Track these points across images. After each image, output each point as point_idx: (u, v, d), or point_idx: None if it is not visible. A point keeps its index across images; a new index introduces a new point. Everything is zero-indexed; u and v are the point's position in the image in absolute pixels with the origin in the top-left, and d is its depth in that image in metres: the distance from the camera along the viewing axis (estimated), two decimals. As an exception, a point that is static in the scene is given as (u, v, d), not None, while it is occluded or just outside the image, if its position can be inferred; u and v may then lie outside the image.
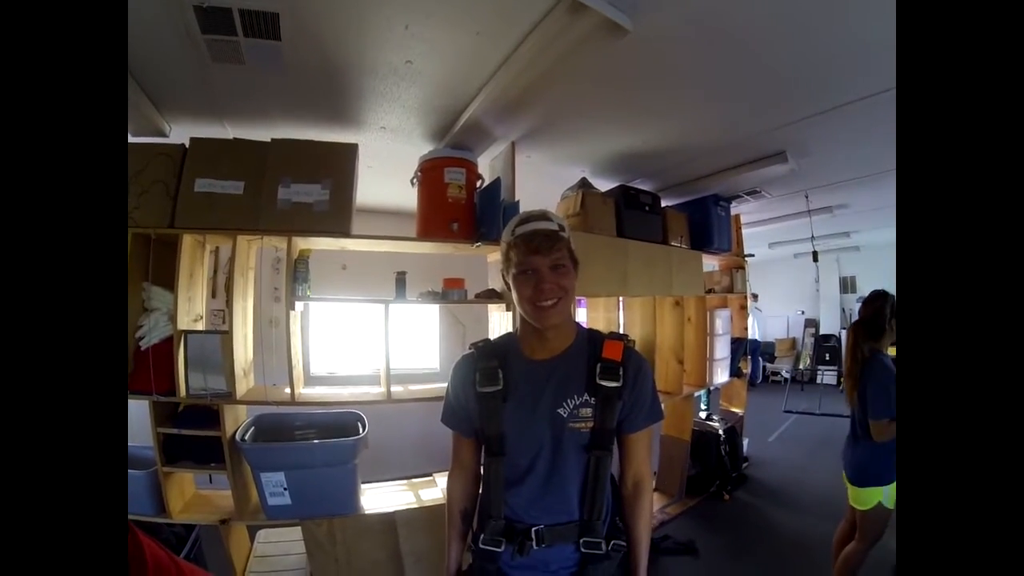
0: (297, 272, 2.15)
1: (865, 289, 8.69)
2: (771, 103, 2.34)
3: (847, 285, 8.96)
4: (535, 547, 1.10)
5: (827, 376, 7.66)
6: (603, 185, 3.20)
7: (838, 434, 5.52)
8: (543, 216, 1.12)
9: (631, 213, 3.11)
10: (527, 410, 1.12)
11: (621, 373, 1.12)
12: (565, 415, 1.10)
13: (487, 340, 1.26)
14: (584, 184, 2.95)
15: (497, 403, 1.13)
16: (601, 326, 3.34)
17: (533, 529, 1.11)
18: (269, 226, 2.09)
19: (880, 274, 8.30)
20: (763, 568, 2.95)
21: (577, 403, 1.11)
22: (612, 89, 2.15)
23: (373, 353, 4.01)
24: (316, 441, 2.19)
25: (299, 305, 2.23)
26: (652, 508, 1.24)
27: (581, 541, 1.11)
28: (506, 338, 1.26)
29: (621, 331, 3.07)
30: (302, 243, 2.22)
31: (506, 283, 1.18)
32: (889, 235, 6.88)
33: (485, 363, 1.16)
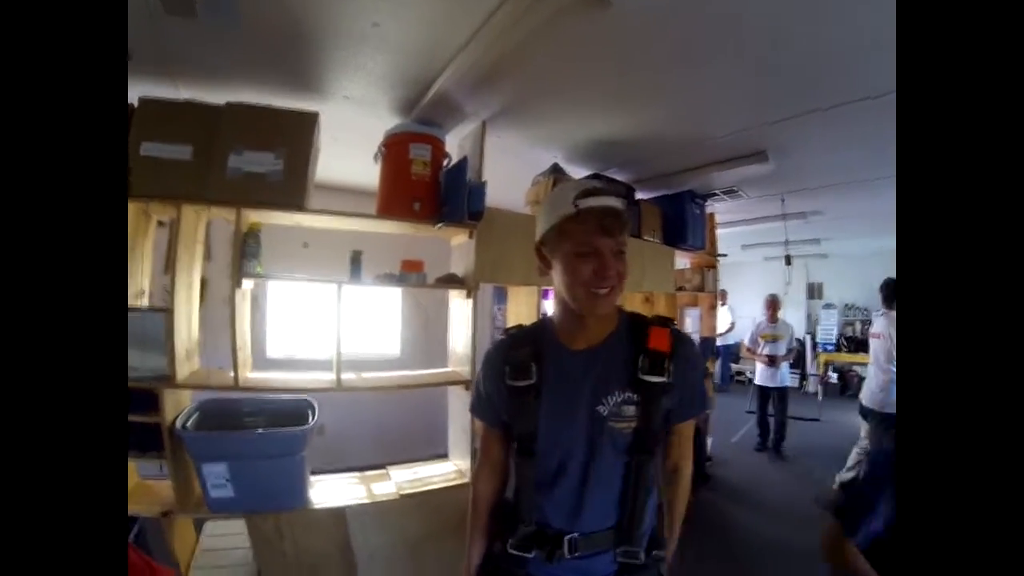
0: (246, 247, 1.99)
1: (832, 296, 8.92)
2: (757, 97, 2.29)
3: (814, 291, 9.12)
4: (567, 555, 1.00)
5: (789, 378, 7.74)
6: (576, 173, 3.11)
7: (799, 436, 5.70)
8: (610, 191, 1.00)
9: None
10: (563, 408, 1.02)
11: (668, 366, 1.01)
12: (605, 413, 0.99)
13: (520, 326, 1.17)
14: (556, 170, 2.86)
15: (529, 399, 1.03)
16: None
17: (566, 537, 1.01)
18: (216, 196, 1.92)
19: (846, 282, 8.52)
20: (725, 568, 2.93)
21: (619, 400, 1.00)
22: (591, 68, 2.04)
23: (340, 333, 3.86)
24: (259, 431, 2.03)
25: (247, 283, 2.07)
26: (689, 489, 1.16)
27: (618, 550, 1.02)
28: (540, 325, 1.15)
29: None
30: (253, 216, 2.06)
31: (542, 258, 1.06)
32: (857, 245, 7.02)
33: (516, 354, 1.06)
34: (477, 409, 1.17)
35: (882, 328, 3.85)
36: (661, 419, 1.02)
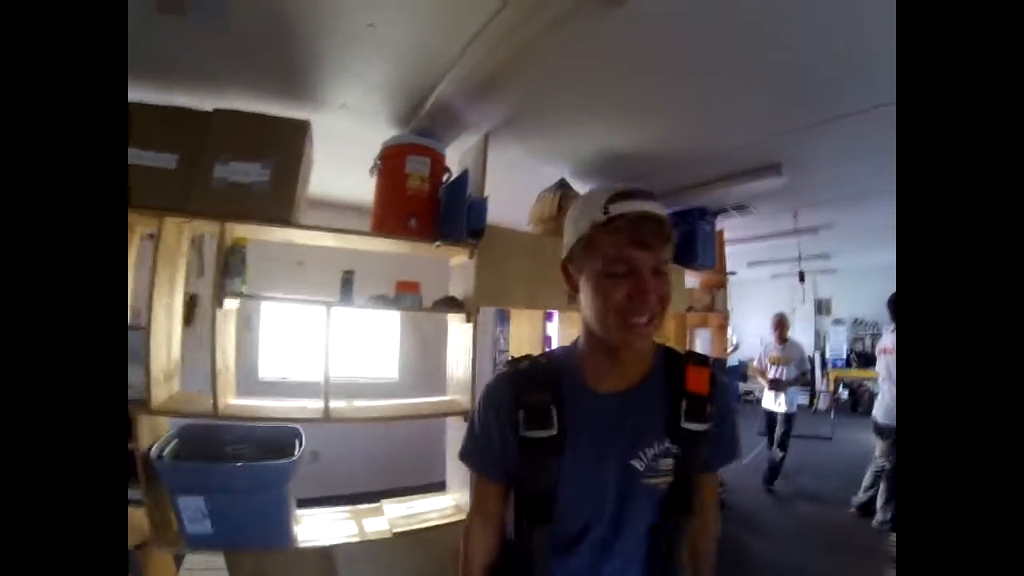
0: (229, 264, 1.85)
1: (840, 312, 8.78)
2: (773, 107, 2.17)
3: (822, 307, 8.98)
4: None
5: (800, 398, 7.57)
6: (584, 189, 2.97)
7: (812, 456, 5.51)
8: (650, 194, 0.80)
9: (612, 221, 2.88)
10: (590, 464, 0.83)
11: (709, 411, 0.86)
12: (641, 468, 0.83)
13: (531, 359, 0.93)
14: (563, 185, 2.70)
15: (548, 455, 0.83)
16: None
17: None
18: (199, 207, 1.79)
19: (855, 297, 8.36)
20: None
21: (657, 452, 0.84)
22: (600, 76, 1.92)
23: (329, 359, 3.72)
24: (240, 463, 1.88)
25: (231, 302, 1.93)
26: (714, 553, 0.98)
27: None
28: (559, 358, 0.93)
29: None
30: (239, 230, 1.92)
31: (569, 278, 0.88)
32: (868, 258, 6.90)
33: (533, 397, 0.85)
34: (473, 458, 0.95)
35: (892, 343, 3.78)
36: (697, 471, 0.87)
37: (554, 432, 0.83)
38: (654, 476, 0.83)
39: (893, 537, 3.52)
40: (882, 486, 3.75)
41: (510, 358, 0.95)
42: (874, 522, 3.73)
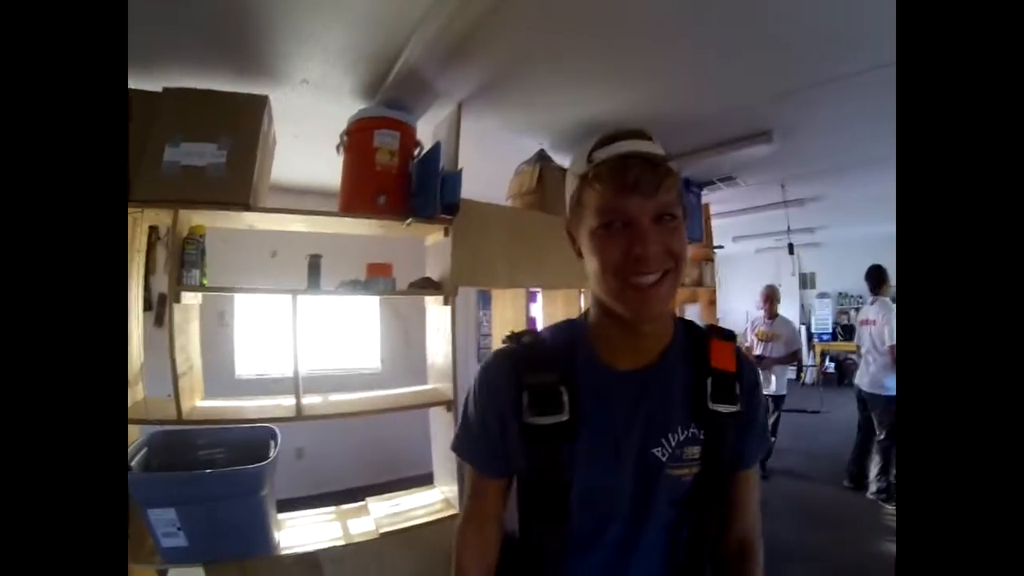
0: (186, 254, 1.70)
1: (824, 285, 8.84)
2: (764, 68, 2.05)
3: (807, 281, 9.04)
4: None
5: (788, 371, 7.62)
6: (565, 161, 2.84)
7: (803, 429, 5.51)
8: (640, 133, 0.70)
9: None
10: (605, 453, 0.73)
11: (737, 390, 0.76)
12: (664, 458, 0.73)
13: (534, 334, 0.82)
14: (543, 157, 2.57)
15: (559, 443, 0.72)
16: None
17: None
18: (148, 195, 1.63)
19: (840, 271, 8.41)
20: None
21: (681, 439, 0.73)
22: (579, 36, 1.78)
23: (312, 350, 3.58)
24: (209, 471, 1.75)
25: (190, 297, 1.78)
26: None
27: None
28: (567, 332, 0.81)
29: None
30: (195, 218, 1.77)
31: (573, 244, 0.78)
32: (852, 231, 6.91)
33: (538, 377, 0.73)
34: (466, 449, 0.83)
35: (875, 314, 3.85)
36: (726, 461, 0.76)
37: (564, 418, 0.71)
38: (679, 466, 0.73)
39: (888, 508, 3.53)
40: (875, 457, 3.75)
41: (510, 333, 0.81)
42: (868, 493, 3.73)
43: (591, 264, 0.71)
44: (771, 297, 4.64)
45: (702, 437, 0.74)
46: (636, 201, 0.66)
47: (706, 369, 0.76)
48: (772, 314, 4.60)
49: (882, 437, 3.68)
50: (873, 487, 3.71)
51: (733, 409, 0.75)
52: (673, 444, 0.73)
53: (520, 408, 0.73)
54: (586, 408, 0.72)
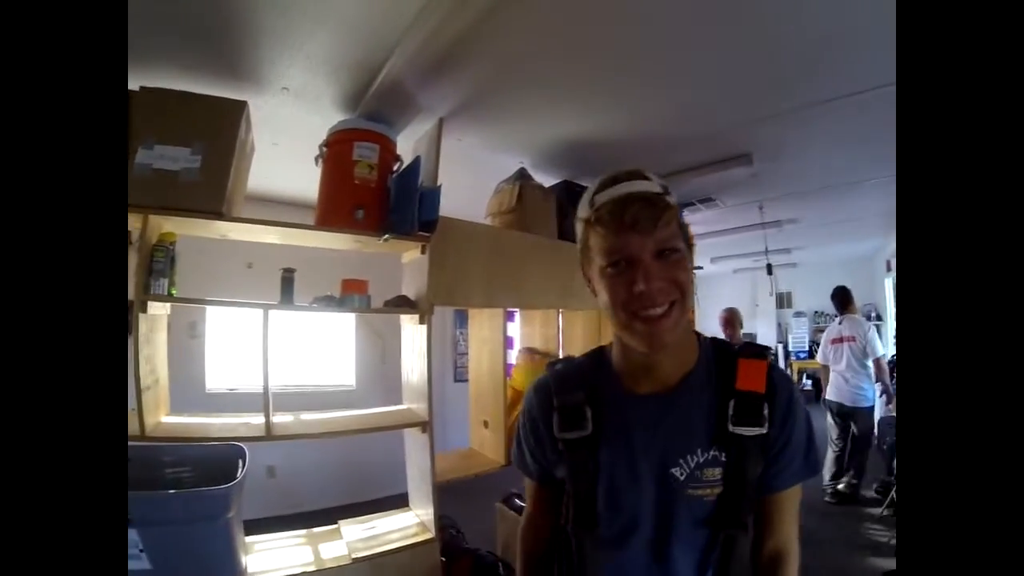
0: (154, 262, 1.63)
1: (800, 304, 8.99)
2: (745, 89, 2.07)
3: (783, 300, 9.17)
4: None
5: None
6: (545, 180, 2.82)
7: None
8: (637, 174, 0.75)
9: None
10: (624, 467, 0.78)
11: (766, 411, 0.76)
12: (682, 477, 0.75)
13: (567, 361, 0.92)
14: (522, 175, 2.55)
15: (587, 455, 0.80)
16: (537, 344, 2.95)
17: None
18: (116, 200, 1.56)
19: (815, 290, 8.56)
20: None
21: (700, 460, 0.76)
22: (563, 53, 1.78)
23: (285, 366, 3.47)
24: (172, 492, 1.66)
25: (158, 307, 1.71)
26: None
27: None
28: (595, 358, 0.89)
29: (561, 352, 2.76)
30: (166, 224, 1.70)
31: (589, 284, 0.83)
32: (828, 252, 7.05)
33: (567, 398, 0.82)
34: (518, 461, 0.95)
35: (851, 331, 4.09)
36: (754, 482, 0.77)
37: (587, 432, 0.80)
38: (698, 487, 0.75)
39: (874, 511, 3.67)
40: (854, 460, 4.03)
41: (550, 360, 0.93)
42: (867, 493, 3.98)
43: (602, 301, 0.76)
44: (730, 320, 4.52)
45: (723, 459, 0.75)
46: (636, 239, 0.71)
47: (730, 391, 0.77)
48: (734, 339, 4.32)
49: (862, 445, 4.00)
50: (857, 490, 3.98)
51: (758, 431, 0.75)
52: (692, 465, 0.75)
53: (553, 425, 0.82)
54: (607, 425, 0.80)
